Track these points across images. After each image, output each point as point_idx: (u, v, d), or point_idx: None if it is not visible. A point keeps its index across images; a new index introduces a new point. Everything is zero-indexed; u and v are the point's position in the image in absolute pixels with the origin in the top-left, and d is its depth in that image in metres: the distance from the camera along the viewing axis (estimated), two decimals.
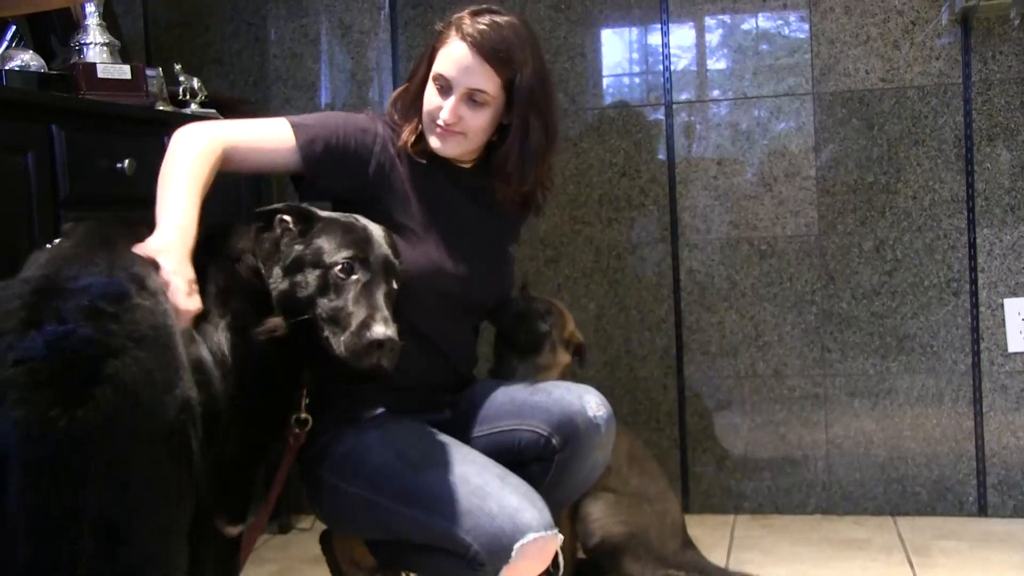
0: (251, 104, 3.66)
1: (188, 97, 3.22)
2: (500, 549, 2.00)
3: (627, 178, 3.51)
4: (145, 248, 1.81)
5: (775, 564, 2.96)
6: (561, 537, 2.06)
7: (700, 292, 3.47)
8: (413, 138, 2.28)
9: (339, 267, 1.93)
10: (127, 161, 2.64)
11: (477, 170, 2.36)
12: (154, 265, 1.74)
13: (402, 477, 2.12)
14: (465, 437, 2.30)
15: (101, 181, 2.60)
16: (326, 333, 1.92)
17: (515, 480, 2.10)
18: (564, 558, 2.11)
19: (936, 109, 3.27)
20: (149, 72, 2.98)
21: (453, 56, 2.20)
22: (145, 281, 1.60)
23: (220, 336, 1.84)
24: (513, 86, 2.23)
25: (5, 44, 2.88)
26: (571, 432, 2.19)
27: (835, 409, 3.39)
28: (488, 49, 2.19)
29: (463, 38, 2.19)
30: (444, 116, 2.21)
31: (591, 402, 2.22)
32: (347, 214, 2.06)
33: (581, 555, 2.77)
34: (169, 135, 2.79)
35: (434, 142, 2.26)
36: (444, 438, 2.23)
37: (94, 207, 2.56)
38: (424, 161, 2.29)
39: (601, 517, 2.66)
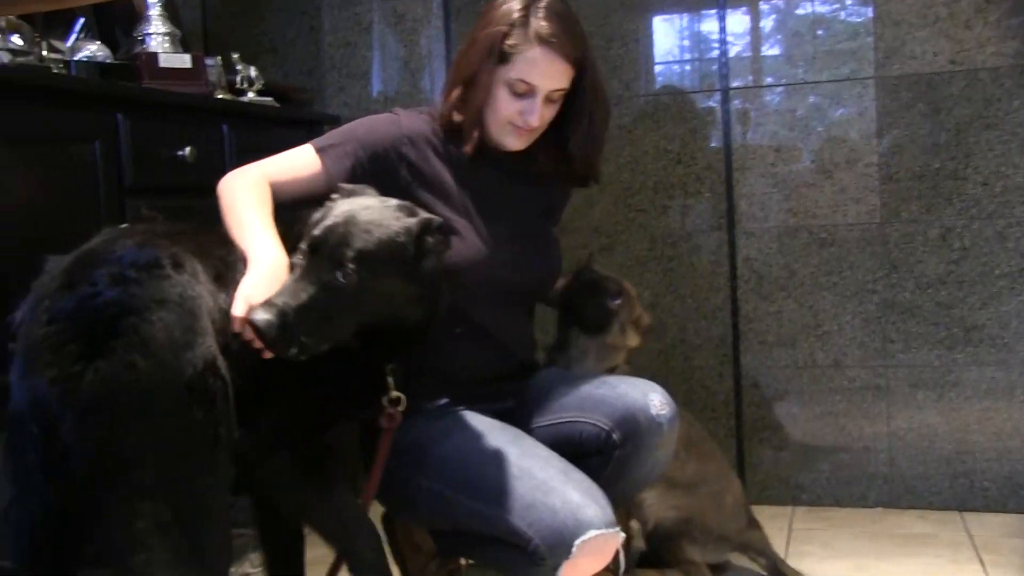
0: (305, 92, 3.69)
1: (245, 86, 3.27)
2: (561, 544, 1.98)
3: (682, 165, 3.47)
4: (241, 291, 1.81)
5: (835, 558, 2.92)
6: (623, 535, 2.05)
7: (757, 281, 3.42)
8: (475, 138, 2.24)
9: (304, 238, 1.86)
10: (188, 149, 2.68)
11: (519, 153, 2.31)
12: (200, 258, 1.75)
13: (465, 469, 2.11)
14: (527, 427, 2.29)
15: (164, 169, 2.65)
16: None
17: (578, 475, 2.09)
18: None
19: (1010, 91, 3.18)
20: (208, 61, 3.03)
21: (537, 64, 2.15)
22: (183, 262, 1.64)
23: None
24: (583, 73, 2.22)
25: (74, 36, 2.92)
26: (632, 429, 2.18)
27: (897, 401, 3.33)
28: (568, 49, 2.17)
29: (542, 43, 2.15)
30: (532, 121, 2.18)
31: (655, 400, 2.20)
32: (371, 201, 1.97)
33: (641, 545, 2.77)
34: (228, 124, 2.91)
35: (510, 142, 2.23)
36: (508, 430, 2.22)
37: (157, 195, 2.62)
38: (467, 150, 2.26)
39: (654, 503, 2.65)
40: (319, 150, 2.20)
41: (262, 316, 1.72)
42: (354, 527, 1.96)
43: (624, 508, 2.57)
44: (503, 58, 2.16)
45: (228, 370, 1.61)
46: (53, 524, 1.44)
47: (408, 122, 2.26)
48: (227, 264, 1.86)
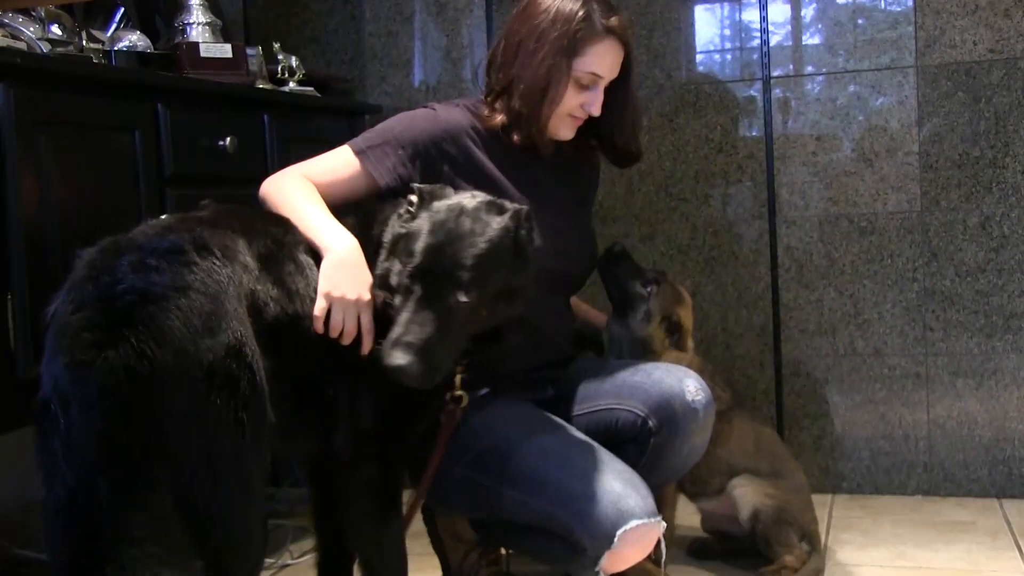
0: (347, 82, 3.71)
1: (286, 75, 3.27)
2: (603, 534, 1.99)
3: (724, 154, 3.46)
4: (322, 287, 1.87)
5: (875, 545, 2.91)
6: (664, 525, 2.06)
7: (798, 269, 3.41)
8: (530, 133, 2.28)
9: (399, 273, 1.88)
10: (229, 139, 2.68)
11: (555, 142, 2.37)
12: (230, 236, 1.76)
13: (507, 459, 2.12)
14: (566, 415, 2.31)
15: (204, 159, 2.65)
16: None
17: (619, 465, 2.10)
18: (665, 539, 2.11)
19: None
20: (249, 51, 3.03)
21: (606, 56, 2.25)
22: (210, 245, 1.65)
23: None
24: (629, 58, 2.32)
25: (114, 26, 2.94)
26: (668, 415, 2.19)
27: (937, 389, 3.32)
28: (627, 36, 2.28)
29: (610, 33, 2.24)
30: (595, 111, 2.26)
31: (690, 386, 2.21)
32: (457, 203, 1.96)
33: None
34: (269, 114, 2.92)
35: (565, 132, 2.30)
36: (549, 419, 2.23)
37: (197, 184, 2.62)
38: (507, 140, 2.30)
39: (748, 492, 2.66)
40: (358, 152, 2.22)
41: (403, 360, 1.77)
42: (393, 566, 1.98)
43: (664, 496, 2.57)
44: (572, 53, 2.22)
45: (259, 354, 1.60)
46: (79, 511, 1.44)
47: (445, 115, 2.29)
48: (280, 243, 1.88)
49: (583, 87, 2.25)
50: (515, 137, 2.28)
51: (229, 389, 1.52)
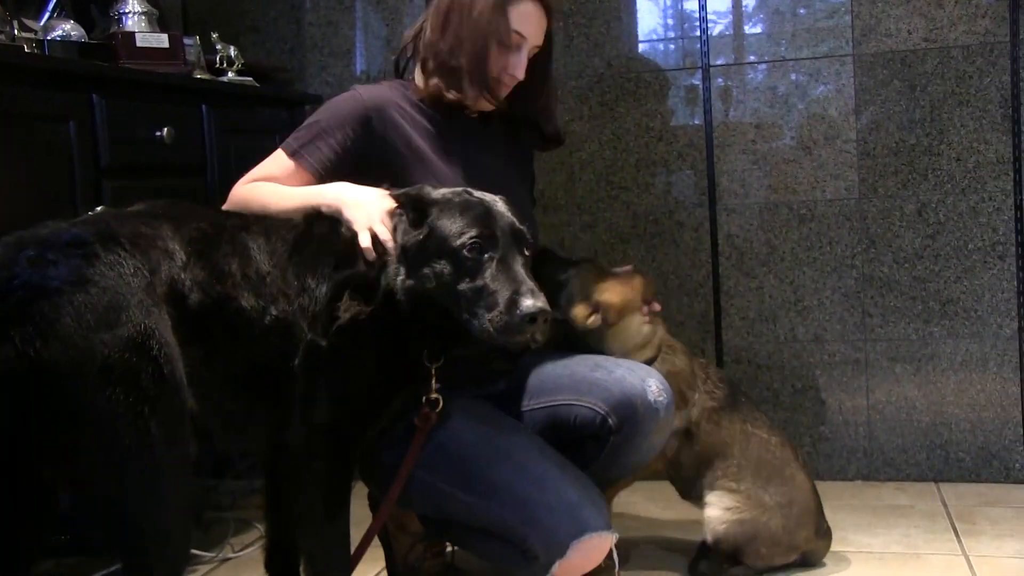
0: (287, 72, 3.69)
1: (225, 65, 3.24)
2: (556, 544, 2.00)
3: (664, 142, 3.48)
4: (360, 222, 1.93)
5: None
6: (616, 536, 2.06)
7: (739, 257, 3.45)
8: (467, 94, 2.31)
9: (467, 248, 1.88)
10: (166, 129, 2.67)
11: (483, 115, 2.40)
12: (145, 225, 1.74)
13: (460, 462, 2.11)
14: (521, 407, 2.30)
15: (141, 149, 2.64)
16: (466, 316, 1.88)
17: (574, 472, 2.10)
18: None
19: (982, 68, 3.21)
20: (186, 41, 3.01)
21: (531, 16, 2.28)
22: (116, 235, 1.63)
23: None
24: (550, 35, 2.35)
25: (47, 15, 2.92)
26: (629, 414, 2.17)
27: (876, 374, 3.37)
28: (552, 8, 2.32)
29: None
30: (519, 74, 2.29)
31: (652, 386, 2.20)
32: (458, 190, 2.01)
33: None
34: (207, 104, 2.89)
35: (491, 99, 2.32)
36: (504, 420, 2.22)
37: (134, 175, 2.62)
38: (438, 115, 2.33)
39: (715, 513, 2.54)
40: (292, 154, 2.23)
41: (543, 301, 1.84)
42: (336, 565, 1.97)
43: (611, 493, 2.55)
44: (501, 12, 2.25)
45: (173, 344, 1.58)
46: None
47: (369, 93, 2.31)
48: (220, 226, 1.86)
49: (507, 48, 2.27)
50: (449, 96, 2.29)
51: (128, 383, 1.49)
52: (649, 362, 2.44)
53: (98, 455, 1.48)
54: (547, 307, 1.84)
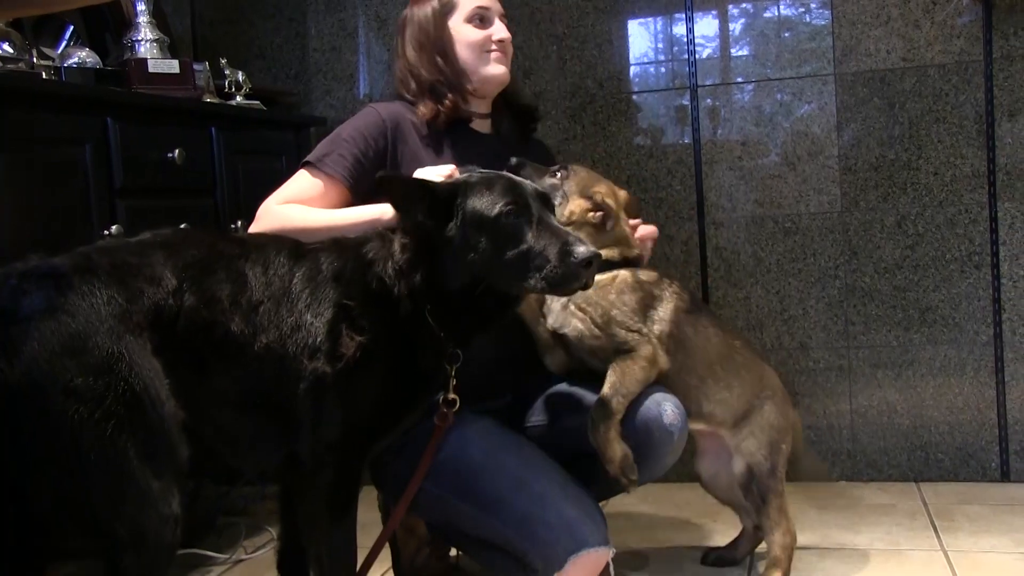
0: (293, 95, 3.79)
1: (233, 90, 3.33)
2: (554, 559, 2.04)
3: (654, 160, 3.59)
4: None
5: (802, 530, 2.91)
6: (614, 551, 2.10)
7: (727, 269, 3.55)
8: (463, 93, 2.44)
9: (505, 215, 1.89)
10: (177, 151, 2.74)
11: (493, 126, 2.53)
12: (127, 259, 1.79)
13: (465, 476, 2.14)
14: (529, 422, 2.34)
15: (153, 171, 2.70)
16: (516, 282, 1.90)
17: (575, 490, 2.14)
18: None
19: (957, 87, 3.32)
20: (196, 67, 3.08)
21: None
22: (92, 266, 1.70)
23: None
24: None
25: (64, 43, 3.00)
26: (644, 439, 2.18)
27: (859, 380, 3.47)
28: None
29: None
30: (501, 34, 2.43)
31: (668, 410, 2.20)
32: (469, 169, 2.09)
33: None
34: (216, 127, 2.96)
35: (494, 69, 2.44)
36: (509, 436, 2.25)
37: (147, 195, 2.68)
38: (444, 130, 2.43)
39: (751, 447, 2.47)
40: (315, 165, 2.31)
41: (594, 248, 1.90)
42: (341, 566, 2.00)
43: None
44: (450, 9, 2.42)
45: (148, 365, 1.65)
46: None
47: (385, 110, 2.42)
48: (219, 254, 1.88)
49: (481, 23, 2.42)
50: (447, 102, 2.41)
51: (93, 402, 1.57)
52: (637, 259, 2.41)
53: (65, 466, 1.57)
54: (599, 252, 1.89)
